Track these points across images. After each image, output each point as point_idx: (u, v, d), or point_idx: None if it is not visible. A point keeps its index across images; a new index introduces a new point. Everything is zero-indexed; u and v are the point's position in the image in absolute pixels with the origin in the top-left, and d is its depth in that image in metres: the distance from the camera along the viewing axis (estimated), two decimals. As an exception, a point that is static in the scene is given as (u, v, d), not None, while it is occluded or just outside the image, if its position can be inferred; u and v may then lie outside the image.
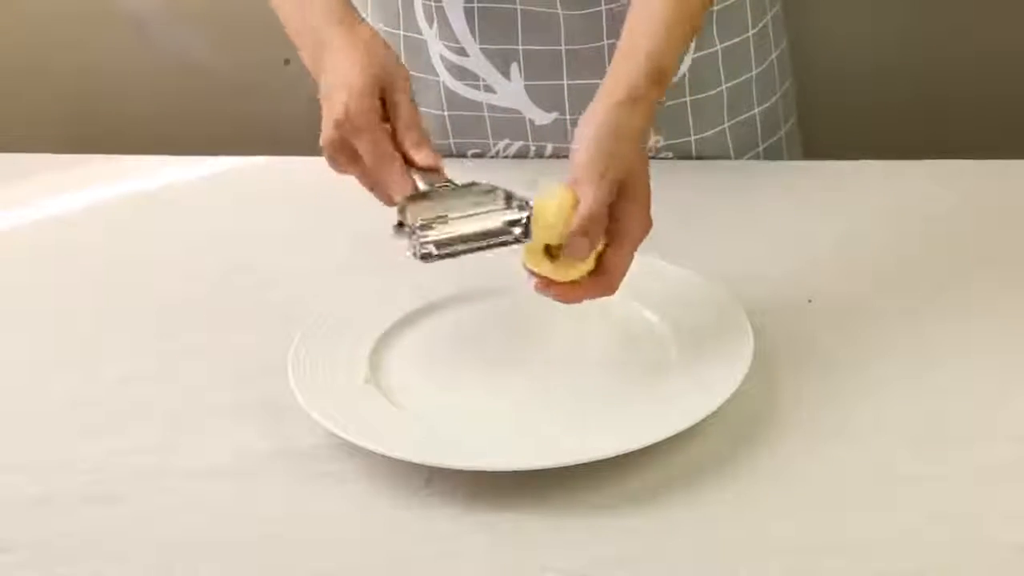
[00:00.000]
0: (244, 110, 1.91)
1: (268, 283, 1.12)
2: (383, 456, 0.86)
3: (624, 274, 0.91)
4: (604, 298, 0.93)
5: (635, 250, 0.91)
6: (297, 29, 1.05)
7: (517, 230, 0.88)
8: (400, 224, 0.89)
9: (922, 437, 0.88)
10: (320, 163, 1.13)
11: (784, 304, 1.02)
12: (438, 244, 0.88)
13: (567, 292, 0.91)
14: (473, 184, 0.91)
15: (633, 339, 0.99)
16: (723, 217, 1.17)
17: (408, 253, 0.88)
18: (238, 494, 0.87)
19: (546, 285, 0.91)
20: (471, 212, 0.89)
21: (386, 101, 0.97)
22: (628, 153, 0.91)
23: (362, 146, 0.95)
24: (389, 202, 0.96)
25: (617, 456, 0.84)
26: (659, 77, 0.94)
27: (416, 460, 0.85)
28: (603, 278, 0.91)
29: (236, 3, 1.86)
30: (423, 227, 0.87)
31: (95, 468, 0.90)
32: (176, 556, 0.82)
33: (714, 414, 0.87)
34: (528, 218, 0.88)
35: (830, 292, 1.04)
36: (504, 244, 0.89)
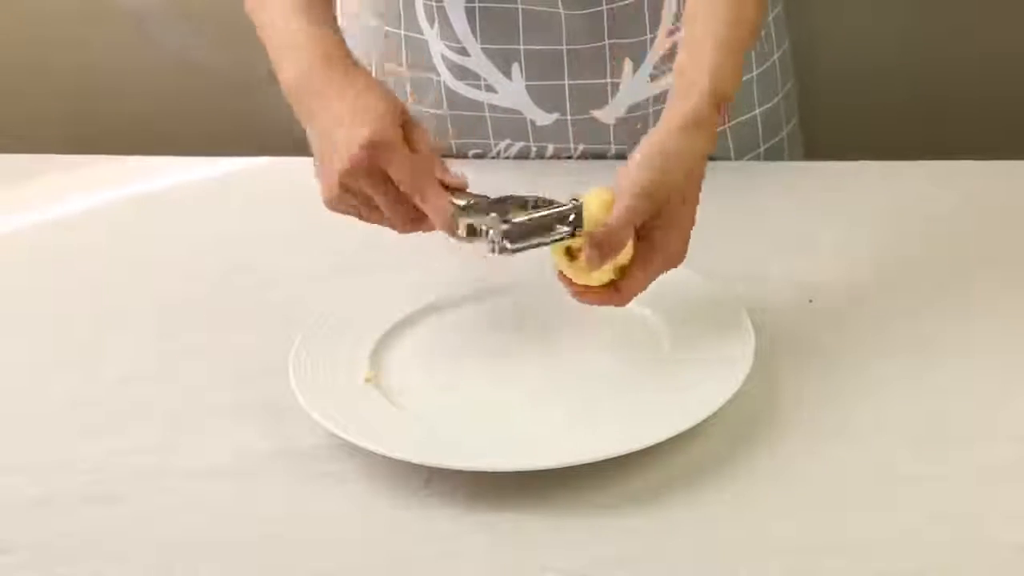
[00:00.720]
0: (244, 110, 1.91)
1: (268, 283, 1.12)
2: (383, 456, 0.86)
3: (637, 294, 0.92)
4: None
5: (655, 276, 0.91)
6: (282, 58, 1.01)
7: (566, 227, 0.89)
8: (471, 227, 0.90)
9: (922, 437, 0.88)
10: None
11: (785, 304, 1.02)
12: (511, 238, 0.89)
13: (581, 292, 0.92)
14: (507, 197, 0.92)
15: (634, 339, 0.99)
16: (724, 217, 1.17)
17: (487, 253, 0.90)
18: (238, 494, 0.87)
19: (565, 280, 0.92)
20: (525, 213, 0.90)
21: (406, 136, 0.95)
22: (678, 178, 0.90)
23: (397, 160, 0.93)
24: (405, 228, 0.96)
25: (618, 456, 0.84)
26: (720, 101, 0.94)
27: (416, 460, 0.85)
28: (616, 293, 0.91)
29: (236, 2, 1.86)
30: (502, 223, 0.88)
31: (95, 468, 0.90)
32: (176, 556, 0.82)
33: (715, 414, 0.87)
34: (576, 214, 0.89)
35: (831, 292, 1.04)
36: (561, 239, 0.90)
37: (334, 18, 1.04)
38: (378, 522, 0.84)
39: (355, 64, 1.00)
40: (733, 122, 1.28)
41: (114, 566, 0.82)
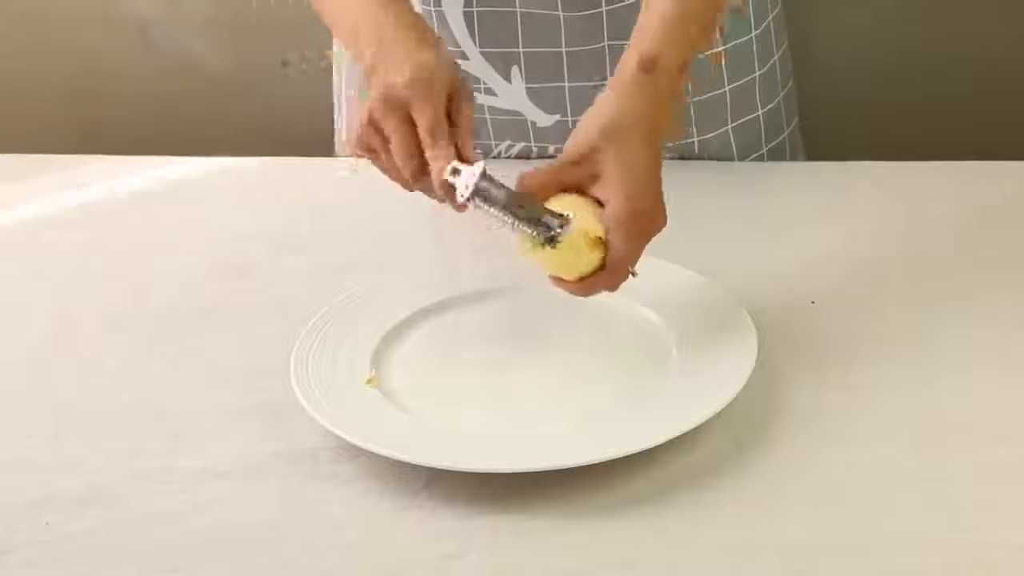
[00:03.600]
0: (244, 111, 1.91)
1: (268, 283, 1.12)
2: (384, 457, 0.86)
3: (627, 267, 0.91)
4: (606, 299, 0.93)
5: (639, 245, 0.91)
6: (355, 37, 1.02)
7: (547, 233, 0.89)
8: (454, 169, 0.91)
9: (922, 437, 0.88)
10: (320, 163, 1.13)
11: (787, 305, 1.02)
12: (480, 194, 0.89)
13: (579, 288, 0.92)
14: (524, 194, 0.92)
15: (635, 340, 0.99)
16: (726, 218, 1.17)
17: (459, 193, 0.90)
18: (238, 494, 0.87)
19: (558, 282, 0.92)
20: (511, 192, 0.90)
21: (450, 108, 0.95)
22: (622, 143, 0.91)
23: (425, 108, 0.93)
24: (416, 177, 0.95)
25: (619, 458, 0.84)
26: (649, 65, 0.93)
27: (417, 462, 0.85)
28: (606, 276, 0.91)
29: (236, 5, 1.86)
30: (481, 174, 0.89)
31: (95, 468, 0.90)
32: (176, 556, 0.82)
33: (716, 415, 0.87)
34: (560, 230, 0.89)
35: (832, 293, 1.04)
36: (530, 230, 0.89)
37: None
38: (378, 523, 0.84)
39: (428, 35, 1.00)
40: (735, 123, 1.28)
41: (114, 566, 0.82)
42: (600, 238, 0.90)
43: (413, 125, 0.94)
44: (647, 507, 0.83)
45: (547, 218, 0.89)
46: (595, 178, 0.91)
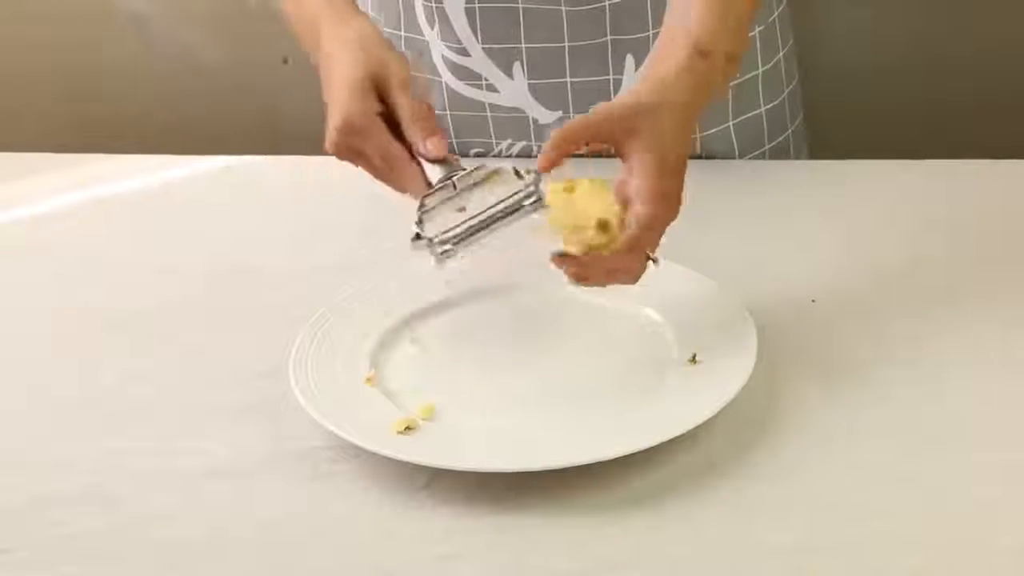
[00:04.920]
0: (244, 110, 1.91)
1: (268, 283, 1.12)
2: (383, 457, 0.86)
3: (649, 252, 0.90)
4: (605, 299, 0.93)
5: (658, 231, 0.90)
6: (299, 28, 1.05)
7: (530, 201, 0.89)
8: (418, 236, 0.91)
9: (922, 437, 0.88)
10: (320, 163, 1.12)
11: (787, 304, 1.02)
12: (456, 241, 0.90)
13: (598, 274, 0.90)
14: (481, 167, 0.93)
15: (635, 339, 0.99)
16: (726, 216, 1.17)
17: (432, 263, 0.91)
18: (238, 494, 0.87)
19: (575, 270, 0.89)
20: (488, 204, 0.90)
21: (383, 99, 0.96)
22: (664, 132, 0.90)
23: (369, 149, 0.95)
24: (402, 190, 0.96)
25: (618, 457, 0.84)
26: (707, 51, 0.93)
27: (416, 461, 0.85)
28: (627, 263, 0.90)
29: (236, 3, 1.86)
30: (441, 240, 0.90)
31: (95, 468, 0.90)
32: (176, 556, 0.82)
33: (716, 415, 0.87)
34: (537, 185, 0.89)
35: (833, 292, 1.04)
36: (521, 217, 0.90)
37: None
38: (378, 523, 0.84)
39: (343, 16, 1.01)
40: (737, 120, 1.28)
41: (114, 566, 0.82)
42: (608, 221, 0.89)
43: (366, 156, 0.96)
44: (647, 506, 0.83)
45: (520, 191, 0.89)
46: (628, 138, 0.89)
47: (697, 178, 1.22)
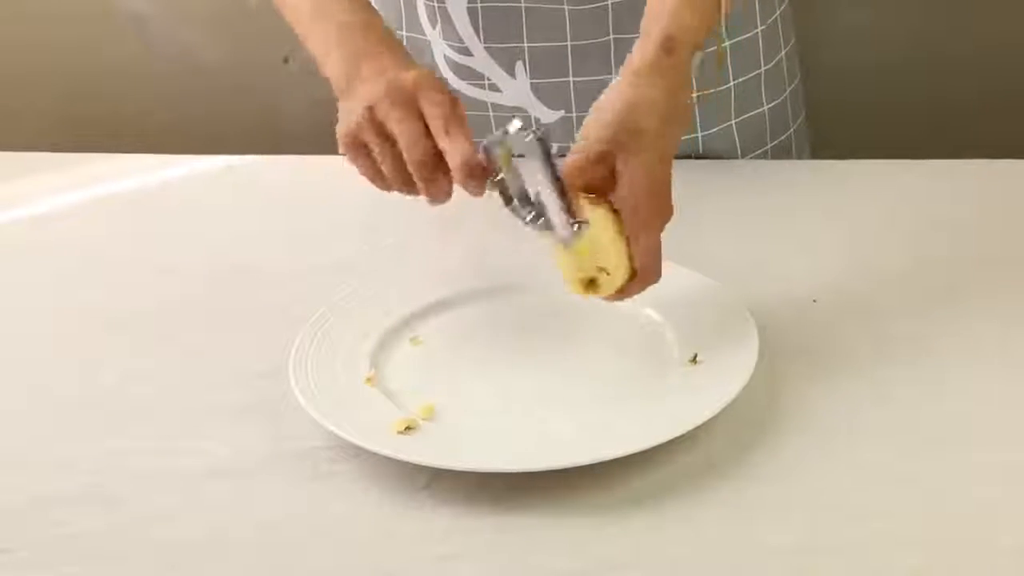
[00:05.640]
0: (244, 110, 1.91)
1: (268, 283, 1.12)
2: (384, 457, 0.86)
3: (656, 263, 0.91)
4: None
5: (655, 234, 0.91)
6: (326, 40, 1.02)
7: (566, 229, 0.89)
8: (531, 212, 0.90)
9: (923, 437, 0.88)
10: (320, 162, 1.12)
11: (789, 304, 1.02)
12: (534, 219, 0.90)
13: (619, 295, 0.92)
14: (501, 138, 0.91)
15: (635, 339, 0.98)
16: (727, 216, 1.17)
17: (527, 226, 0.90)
18: (238, 494, 0.87)
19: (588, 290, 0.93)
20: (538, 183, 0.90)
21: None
22: (643, 128, 0.90)
23: (436, 99, 0.92)
24: (422, 172, 0.93)
25: (619, 457, 0.84)
26: (669, 45, 0.93)
27: (416, 461, 0.85)
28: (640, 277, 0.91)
29: (236, 3, 1.86)
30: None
31: (95, 468, 0.90)
32: (176, 556, 0.82)
33: (717, 415, 0.87)
34: (579, 228, 0.89)
35: (834, 292, 1.04)
36: (549, 230, 0.90)
37: None
38: (378, 523, 0.84)
39: (407, 57, 1.00)
40: (740, 119, 1.28)
41: (114, 566, 0.82)
42: (606, 269, 0.91)
43: (420, 118, 0.92)
44: (647, 507, 0.83)
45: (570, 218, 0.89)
46: (612, 173, 0.90)
47: (698, 178, 1.22)
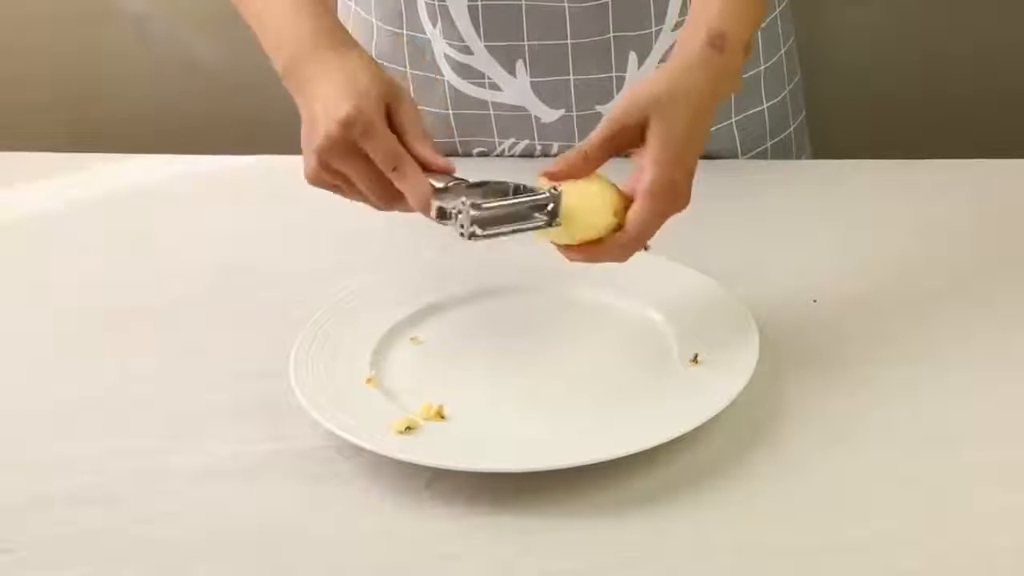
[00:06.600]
0: (244, 110, 1.90)
1: (268, 283, 1.11)
2: (384, 457, 0.86)
3: (644, 240, 0.90)
4: (606, 298, 0.93)
5: (659, 219, 0.90)
6: (276, 43, 1.02)
7: (543, 216, 0.89)
8: (441, 210, 0.90)
9: (922, 438, 0.88)
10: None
11: (789, 304, 1.02)
12: (481, 224, 0.88)
13: (590, 254, 0.91)
14: (486, 182, 0.92)
15: (636, 339, 0.98)
16: (727, 216, 1.17)
17: (458, 233, 0.89)
18: (238, 494, 0.87)
19: (567, 251, 0.91)
20: (500, 199, 0.90)
21: (391, 114, 0.95)
22: (681, 119, 0.90)
23: (374, 138, 0.92)
24: (388, 205, 0.95)
25: (619, 458, 0.84)
26: (719, 42, 0.93)
27: (417, 461, 0.85)
28: (616, 246, 0.90)
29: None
30: (471, 207, 0.88)
31: (95, 468, 0.89)
32: (176, 556, 0.82)
33: (717, 415, 0.87)
34: (554, 203, 0.89)
35: (833, 292, 1.04)
36: (536, 227, 0.90)
37: None
38: (378, 523, 0.84)
39: (345, 42, 1.00)
40: (740, 116, 1.28)
41: (114, 566, 0.81)
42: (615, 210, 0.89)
43: (367, 158, 0.93)
44: (647, 507, 0.83)
45: (539, 201, 0.89)
46: (642, 142, 0.90)
47: (698, 178, 1.22)
